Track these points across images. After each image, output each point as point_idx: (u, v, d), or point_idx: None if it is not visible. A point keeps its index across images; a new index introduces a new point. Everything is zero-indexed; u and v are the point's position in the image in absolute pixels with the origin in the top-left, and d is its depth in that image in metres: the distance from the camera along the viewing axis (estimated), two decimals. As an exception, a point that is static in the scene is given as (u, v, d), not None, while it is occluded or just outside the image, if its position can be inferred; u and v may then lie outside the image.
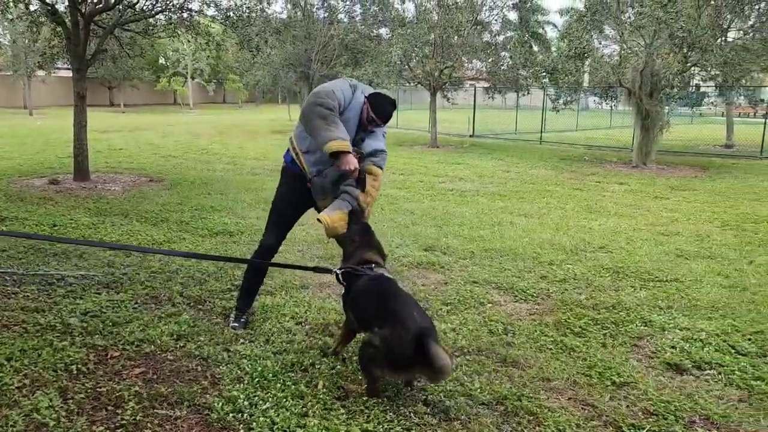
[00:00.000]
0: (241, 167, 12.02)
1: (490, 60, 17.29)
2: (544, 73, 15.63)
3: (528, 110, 24.93)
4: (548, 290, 4.86)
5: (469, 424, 2.88)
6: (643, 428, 2.89)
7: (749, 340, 3.90)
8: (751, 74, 14.71)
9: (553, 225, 7.28)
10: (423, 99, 26.14)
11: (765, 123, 15.94)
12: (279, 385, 3.13)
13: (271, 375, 3.22)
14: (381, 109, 3.49)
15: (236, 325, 3.87)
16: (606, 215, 7.97)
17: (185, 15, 10.44)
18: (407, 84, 20.09)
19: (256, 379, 3.17)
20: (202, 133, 20.20)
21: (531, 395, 3.14)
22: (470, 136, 21.29)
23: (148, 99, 44.29)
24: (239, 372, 3.26)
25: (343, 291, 3.44)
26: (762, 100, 17.23)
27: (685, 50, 12.21)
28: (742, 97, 15.37)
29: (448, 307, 4.42)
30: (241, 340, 3.68)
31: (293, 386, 3.12)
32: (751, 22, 13.05)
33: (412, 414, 2.92)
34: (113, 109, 38.65)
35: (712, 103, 17.96)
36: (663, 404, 3.09)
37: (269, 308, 4.20)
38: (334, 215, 3.45)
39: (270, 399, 2.99)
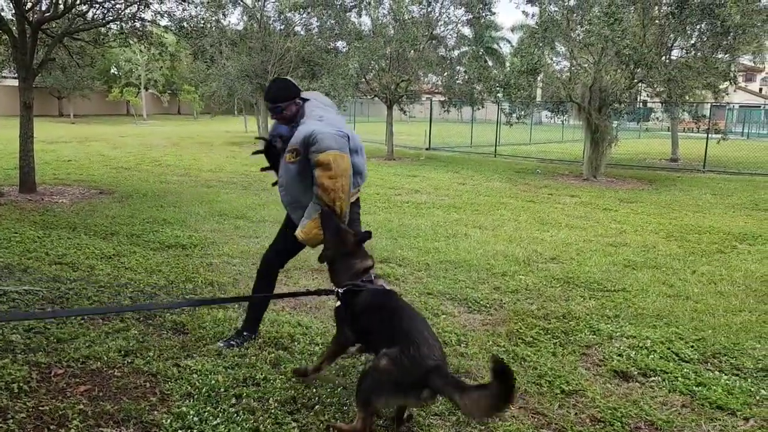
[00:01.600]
0: (195, 179, 11.83)
1: (445, 74, 17.55)
2: (498, 88, 15.93)
3: (483, 124, 25.40)
4: (501, 301, 4.93)
5: (422, 435, 2.90)
6: (591, 435, 2.96)
7: (692, 347, 4.04)
8: (694, 91, 15.34)
9: (506, 237, 7.40)
10: (380, 112, 26.31)
11: (707, 138, 16.63)
12: (230, 400, 3.08)
13: (222, 390, 3.17)
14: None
15: (221, 345, 3.74)
16: (557, 227, 8.15)
17: (137, 25, 10.26)
18: (364, 97, 20.19)
19: (207, 395, 3.12)
20: (156, 145, 19.82)
21: (483, 405, 3.18)
22: (426, 148, 21.51)
23: (99, 109, 43.17)
24: (189, 388, 3.20)
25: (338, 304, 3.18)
26: (704, 116, 17.96)
27: (631, 67, 12.65)
28: (686, 113, 16.00)
29: (403, 318, 4.44)
30: (192, 355, 3.61)
31: (245, 401, 3.08)
32: (692, 41, 13.63)
33: (364, 426, 2.92)
34: (63, 119, 37.53)
35: (657, 118, 18.66)
36: (610, 411, 3.17)
37: (222, 321, 4.14)
38: (306, 225, 3.35)
39: (221, 415, 2.94)
